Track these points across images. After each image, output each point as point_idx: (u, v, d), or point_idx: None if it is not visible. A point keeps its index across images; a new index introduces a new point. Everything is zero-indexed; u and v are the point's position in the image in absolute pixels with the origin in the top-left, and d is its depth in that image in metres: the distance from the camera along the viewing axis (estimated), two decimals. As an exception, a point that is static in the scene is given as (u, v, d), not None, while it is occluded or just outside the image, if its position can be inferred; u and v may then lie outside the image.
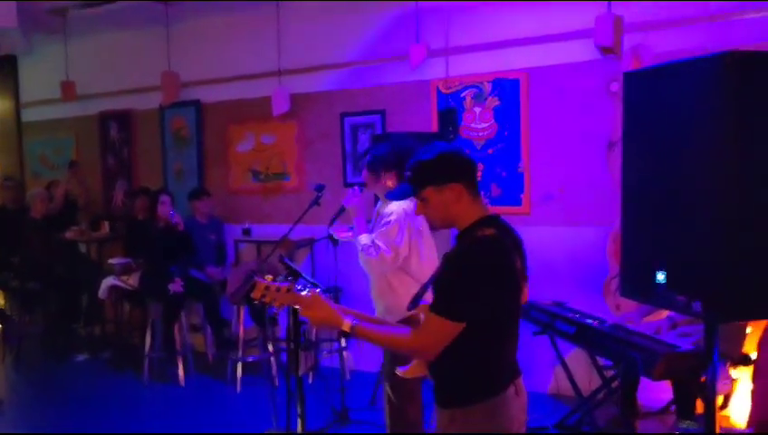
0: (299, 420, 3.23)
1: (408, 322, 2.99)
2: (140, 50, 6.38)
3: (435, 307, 1.93)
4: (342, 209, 3.55)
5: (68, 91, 6.50)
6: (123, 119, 6.81)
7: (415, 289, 3.32)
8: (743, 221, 1.74)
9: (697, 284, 1.83)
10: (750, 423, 3.45)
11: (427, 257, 3.41)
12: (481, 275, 1.90)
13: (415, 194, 2.07)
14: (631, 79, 2.10)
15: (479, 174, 1.96)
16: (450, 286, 1.93)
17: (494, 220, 2.04)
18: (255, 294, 2.41)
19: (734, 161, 1.75)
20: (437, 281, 2.02)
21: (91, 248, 6.76)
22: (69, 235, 6.38)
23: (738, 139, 1.75)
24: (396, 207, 3.28)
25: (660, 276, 1.91)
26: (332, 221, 3.66)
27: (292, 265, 3.19)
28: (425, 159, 2.05)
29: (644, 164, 2.04)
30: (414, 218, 3.29)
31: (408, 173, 2.07)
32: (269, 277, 2.45)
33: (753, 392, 3.47)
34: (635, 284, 2.06)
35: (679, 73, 1.92)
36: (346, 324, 2.03)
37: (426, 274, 3.39)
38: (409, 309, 2.20)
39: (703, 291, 1.81)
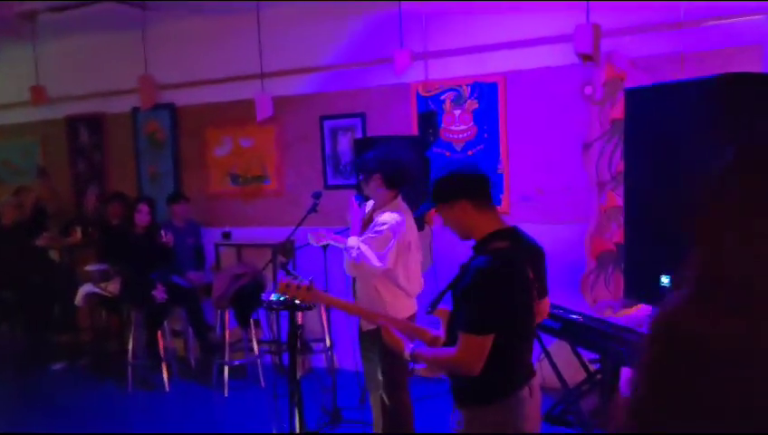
0: (297, 423, 3.32)
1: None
2: (112, 53, 6.28)
3: (462, 327, 2.05)
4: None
5: (38, 95, 6.36)
6: (93, 122, 6.70)
7: (402, 300, 3.45)
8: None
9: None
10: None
11: (414, 271, 3.49)
12: (495, 288, 2.04)
13: (435, 210, 2.22)
14: (633, 96, 2.24)
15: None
16: (471, 303, 2.06)
17: (508, 232, 2.17)
18: (278, 291, 2.57)
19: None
20: (456, 293, 2.13)
21: (62, 255, 6.64)
22: (40, 242, 6.27)
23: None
24: (389, 218, 3.33)
25: (665, 280, 2.06)
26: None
27: (293, 272, 3.27)
28: (437, 179, 2.23)
29: (645, 175, 2.18)
30: (404, 232, 3.36)
31: (429, 191, 2.24)
32: (291, 275, 2.62)
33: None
34: (639, 287, 2.21)
35: (678, 92, 2.07)
36: (407, 353, 2.23)
37: (413, 285, 3.50)
38: (428, 312, 2.31)
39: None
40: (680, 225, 2.05)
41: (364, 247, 3.25)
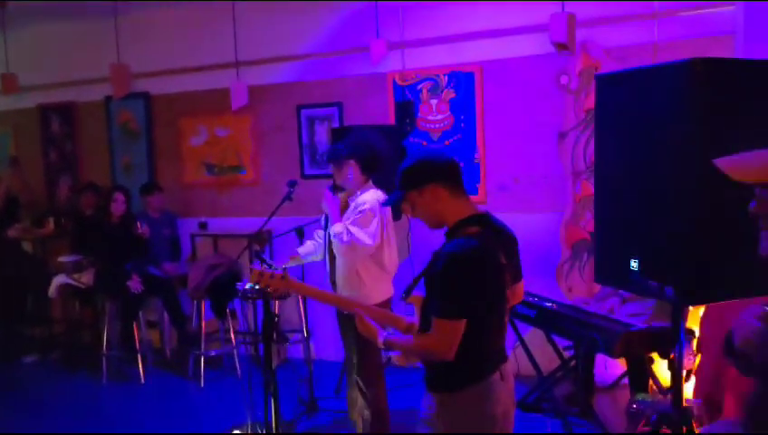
0: (273, 413, 3.31)
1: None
2: (85, 41, 6.17)
3: (435, 312, 2.05)
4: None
5: (9, 84, 6.23)
6: (65, 111, 6.59)
7: (382, 281, 3.50)
8: (708, 214, 1.92)
9: (669, 271, 2.00)
10: (695, 395, 3.73)
11: (393, 249, 3.56)
12: (466, 273, 2.03)
13: (404, 199, 2.19)
14: (603, 81, 2.25)
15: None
16: (443, 289, 2.05)
17: (480, 218, 2.16)
18: (251, 280, 2.56)
19: (700, 159, 1.92)
20: (429, 279, 2.12)
21: (35, 246, 6.54)
22: (12, 233, 6.16)
23: (704, 138, 1.92)
24: (370, 197, 3.39)
25: (634, 264, 2.08)
26: (326, 226, 3.69)
27: (268, 260, 3.25)
28: (404, 166, 2.20)
29: (616, 161, 2.20)
30: (386, 209, 3.41)
31: (396, 181, 2.21)
32: (264, 266, 2.60)
33: (698, 366, 3.75)
34: (610, 271, 2.23)
35: (649, 77, 2.08)
36: (380, 342, 2.23)
37: (393, 264, 3.56)
38: (403, 298, 2.31)
39: (674, 277, 1.99)
40: (650, 211, 2.09)
41: (354, 229, 3.30)
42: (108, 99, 6.24)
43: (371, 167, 3.43)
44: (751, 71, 2.04)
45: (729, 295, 2.01)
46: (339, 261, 3.46)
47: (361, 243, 3.30)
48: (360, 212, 3.33)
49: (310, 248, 3.65)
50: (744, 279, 1.92)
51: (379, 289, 3.47)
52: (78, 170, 6.61)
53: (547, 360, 4.33)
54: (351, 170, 3.40)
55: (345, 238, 3.28)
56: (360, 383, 3.52)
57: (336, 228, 3.35)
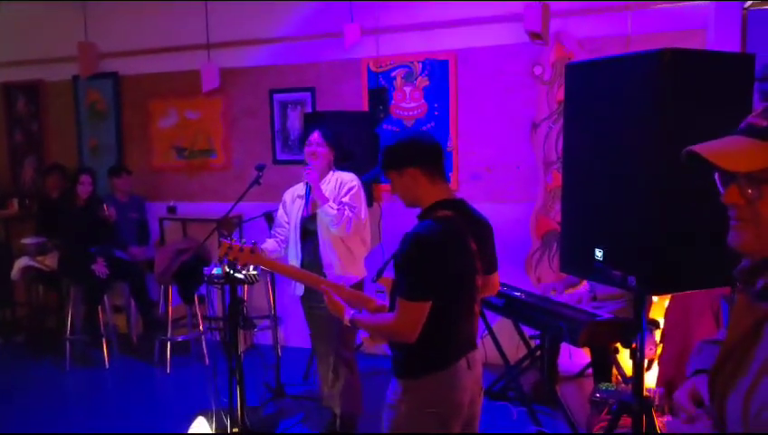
0: (238, 399, 3.28)
1: (358, 288, 3.26)
2: (52, 17, 6.00)
3: (400, 293, 2.03)
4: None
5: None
6: (31, 90, 6.41)
7: (364, 253, 3.60)
8: (671, 205, 1.93)
9: (632, 261, 2.01)
10: (659, 383, 3.79)
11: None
12: (430, 255, 2.02)
13: (385, 177, 2.21)
14: (573, 70, 2.24)
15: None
16: (408, 270, 2.04)
17: (454, 203, 2.15)
18: (220, 253, 2.56)
19: (665, 148, 1.92)
20: (397, 261, 2.11)
21: (-2, 228, 6.38)
22: (-26, 214, 6.00)
23: (668, 129, 1.93)
24: (351, 176, 3.53)
25: (598, 254, 2.08)
26: (305, 205, 3.70)
27: (235, 239, 3.21)
28: (387, 146, 2.21)
29: (583, 150, 2.20)
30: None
31: (379, 159, 2.22)
32: (233, 238, 2.60)
33: (661, 355, 3.81)
34: (575, 260, 2.24)
35: (618, 67, 2.07)
36: (346, 319, 2.24)
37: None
38: (374, 280, 2.30)
39: (637, 267, 2.00)
40: (615, 201, 2.10)
41: (354, 204, 3.42)
42: (75, 78, 6.09)
43: (342, 159, 3.62)
44: (718, 62, 2.05)
45: (690, 286, 2.03)
46: (327, 240, 3.48)
47: (363, 215, 3.44)
48: (350, 189, 3.45)
49: (272, 246, 3.62)
50: (705, 270, 1.94)
51: (363, 266, 3.63)
52: (44, 151, 6.45)
53: (515, 349, 4.36)
54: (331, 160, 3.56)
55: (350, 214, 3.37)
56: (342, 372, 3.55)
57: (332, 206, 3.38)
